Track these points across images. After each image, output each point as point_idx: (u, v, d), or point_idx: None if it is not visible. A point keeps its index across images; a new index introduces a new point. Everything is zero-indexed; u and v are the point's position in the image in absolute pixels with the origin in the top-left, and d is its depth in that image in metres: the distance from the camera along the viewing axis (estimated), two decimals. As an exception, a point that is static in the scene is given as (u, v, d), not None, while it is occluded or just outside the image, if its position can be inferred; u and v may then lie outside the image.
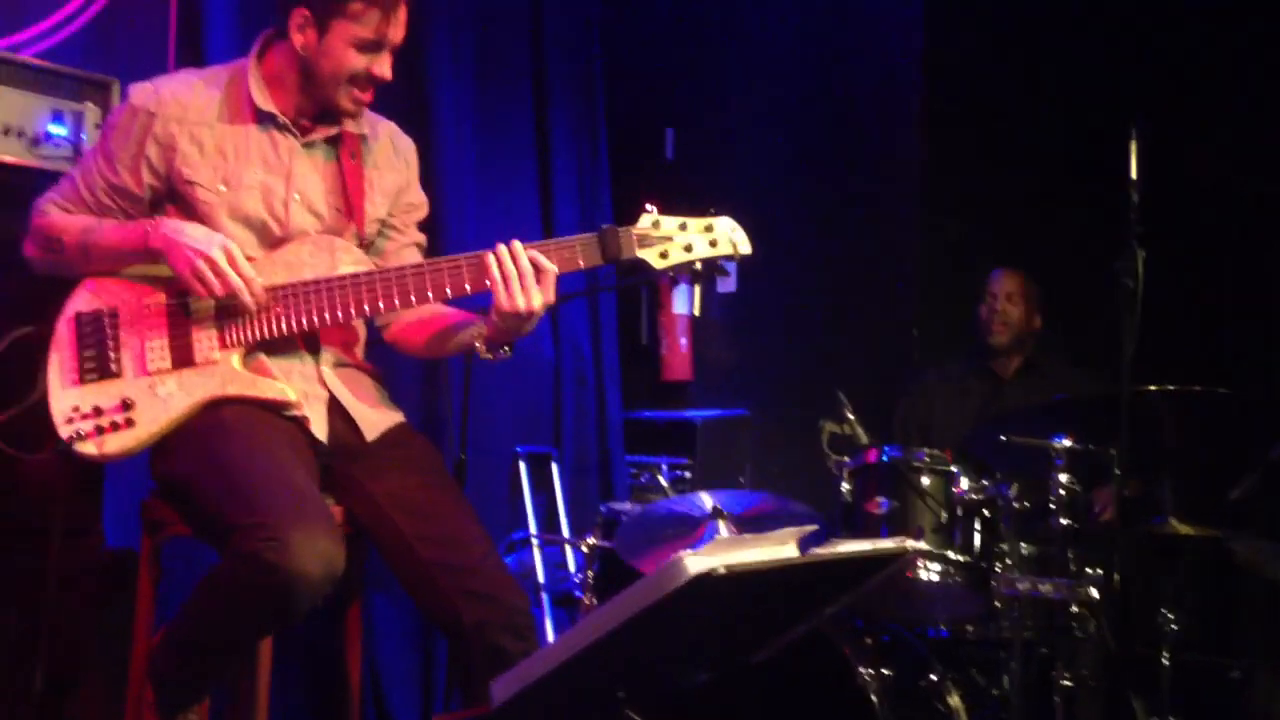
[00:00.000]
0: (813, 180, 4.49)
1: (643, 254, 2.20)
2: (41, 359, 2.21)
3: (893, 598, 3.08)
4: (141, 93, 2.26)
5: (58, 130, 2.69)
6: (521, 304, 2.15)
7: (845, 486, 3.12)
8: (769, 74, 4.64)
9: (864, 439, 3.21)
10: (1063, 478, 2.79)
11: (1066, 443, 2.79)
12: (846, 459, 3.17)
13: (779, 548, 1.64)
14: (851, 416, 3.24)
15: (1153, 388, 2.69)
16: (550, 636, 3.83)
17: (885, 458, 3.09)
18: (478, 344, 2.26)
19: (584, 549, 3.27)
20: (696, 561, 1.46)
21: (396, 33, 2.24)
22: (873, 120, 4.35)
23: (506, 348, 2.26)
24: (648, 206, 2.22)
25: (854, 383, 3.54)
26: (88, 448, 2.15)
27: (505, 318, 2.17)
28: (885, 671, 2.86)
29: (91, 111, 2.73)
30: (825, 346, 4.37)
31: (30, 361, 2.24)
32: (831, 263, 4.41)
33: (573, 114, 4.51)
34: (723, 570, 1.47)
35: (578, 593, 3.35)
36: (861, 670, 2.81)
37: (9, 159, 2.61)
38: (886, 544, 1.84)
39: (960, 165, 4.19)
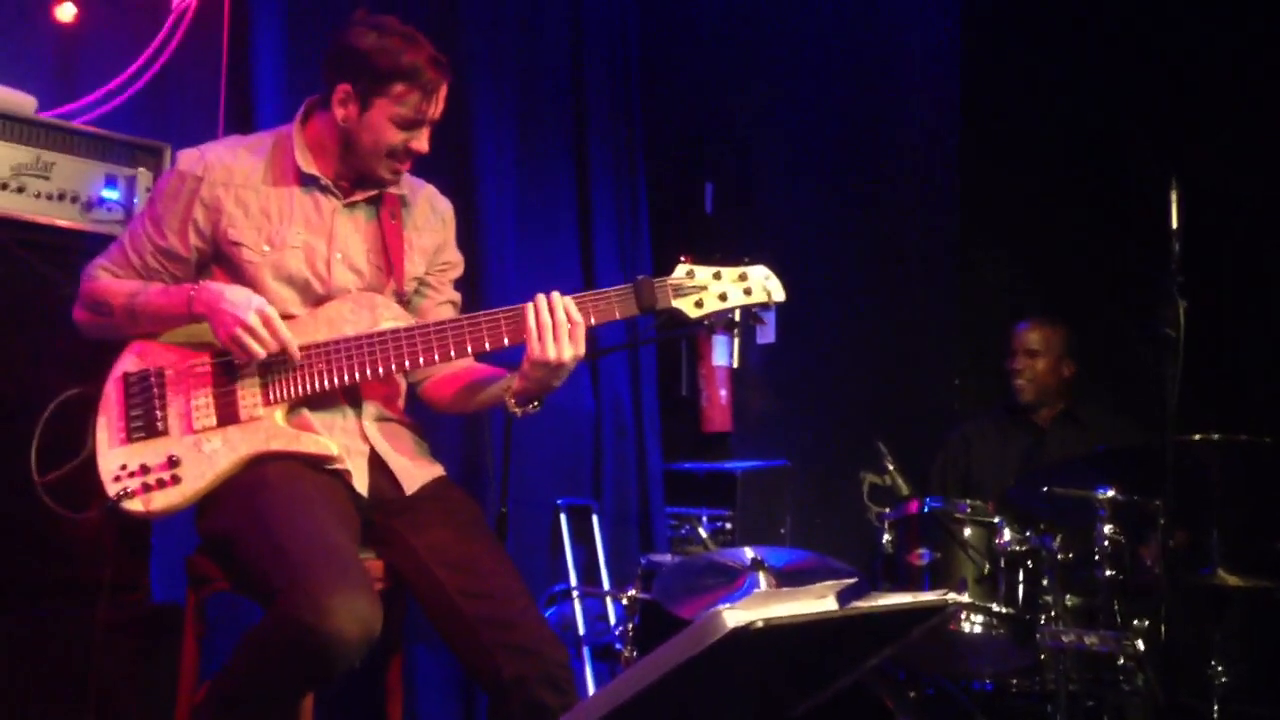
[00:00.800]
0: (851, 230, 4.51)
1: (678, 304, 2.24)
2: (90, 419, 2.26)
3: (936, 650, 3.05)
4: (188, 158, 2.33)
5: (110, 195, 2.77)
6: (552, 354, 2.18)
7: (886, 538, 3.11)
8: (806, 125, 4.68)
9: (905, 490, 3.20)
10: (1107, 529, 2.77)
11: (1110, 494, 2.77)
12: (887, 510, 3.16)
13: (818, 601, 1.64)
14: (892, 467, 3.24)
15: (1197, 437, 2.66)
16: (591, 689, 3.81)
17: (927, 509, 3.08)
18: (507, 398, 2.29)
19: (624, 601, 3.27)
20: (734, 615, 1.46)
21: (436, 110, 2.32)
22: (910, 169, 4.36)
23: (536, 403, 2.29)
24: (682, 258, 2.26)
25: (895, 433, 3.53)
26: (135, 505, 2.19)
27: (537, 368, 2.21)
28: (931, 726, 2.83)
29: (144, 176, 2.81)
30: (866, 397, 4.35)
31: (79, 422, 2.29)
32: (871, 312, 4.41)
33: (613, 169, 4.57)
34: (761, 624, 1.47)
35: (618, 645, 3.35)
36: (906, 724, 2.78)
37: (64, 223, 2.69)
38: (927, 596, 1.83)
39: (999, 211, 4.20)
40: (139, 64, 3.47)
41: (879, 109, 4.48)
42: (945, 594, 1.84)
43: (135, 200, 2.79)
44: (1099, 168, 4.09)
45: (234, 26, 3.55)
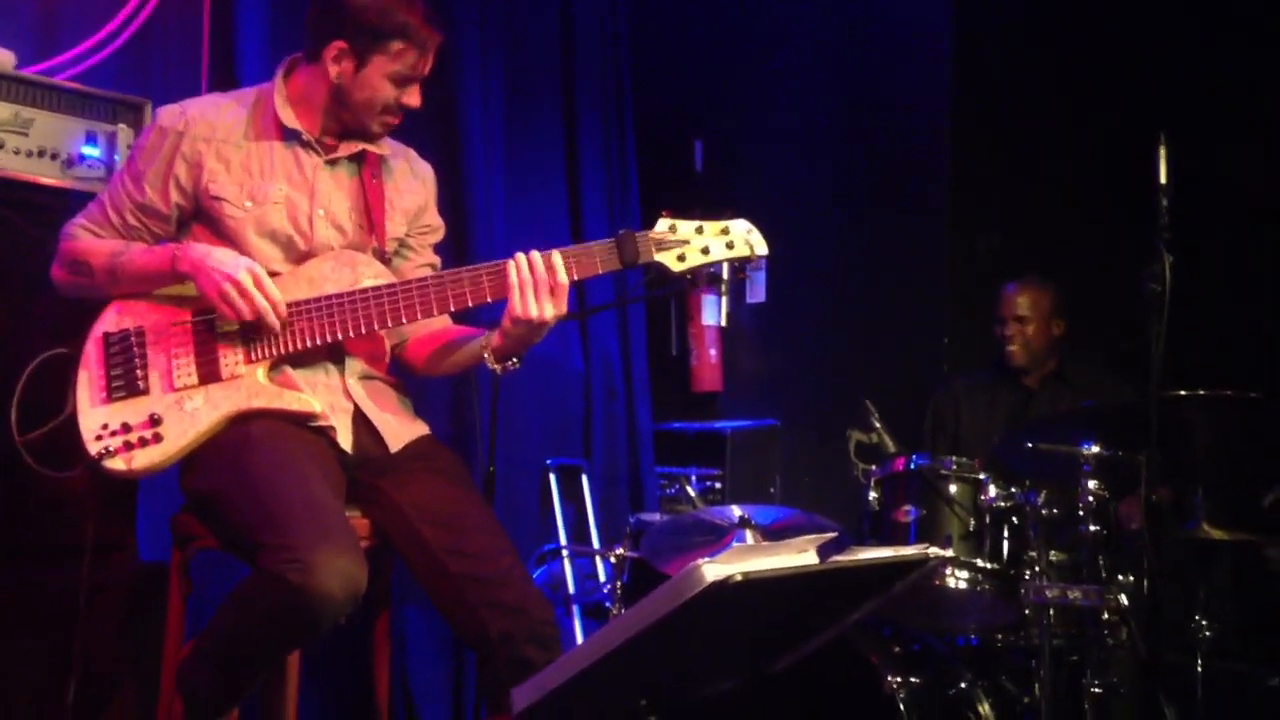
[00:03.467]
0: (842, 188, 4.49)
1: (660, 257, 2.25)
2: (71, 378, 2.25)
3: (921, 606, 3.07)
4: (169, 113, 2.31)
5: (91, 151, 2.74)
6: (535, 312, 2.18)
7: (872, 495, 3.12)
8: (797, 83, 4.65)
9: (891, 447, 3.20)
10: (1091, 484, 2.78)
11: (1094, 449, 2.77)
12: (874, 468, 3.16)
13: (798, 555, 1.64)
14: (879, 425, 3.24)
15: (1182, 393, 2.66)
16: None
17: (913, 466, 3.09)
18: (486, 354, 2.29)
19: (613, 559, 3.28)
20: (713, 569, 1.47)
21: (428, 66, 2.32)
22: (901, 128, 4.34)
23: (515, 360, 2.29)
24: (664, 212, 2.25)
25: (884, 392, 3.53)
26: (116, 464, 2.18)
27: (519, 325, 2.21)
28: (914, 680, 2.85)
29: (124, 133, 2.78)
30: (855, 356, 4.35)
31: (62, 381, 2.27)
32: (861, 272, 4.40)
33: (601, 126, 4.54)
34: (739, 578, 1.47)
35: (608, 603, 3.36)
36: (890, 678, 2.80)
37: (44, 180, 2.66)
38: (907, 551, 1.84)
39: (989, 171, 4.18)
40: (120, 19, 3.42)
41: (869, 65, 4.45)
42: (926, 548, 1.84)
43: (116, 157, 2.75)
44: (1088, 123, 4.07)
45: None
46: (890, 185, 4.35)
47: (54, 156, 2.70)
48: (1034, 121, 4.15)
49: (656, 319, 4.78)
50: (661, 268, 2.25)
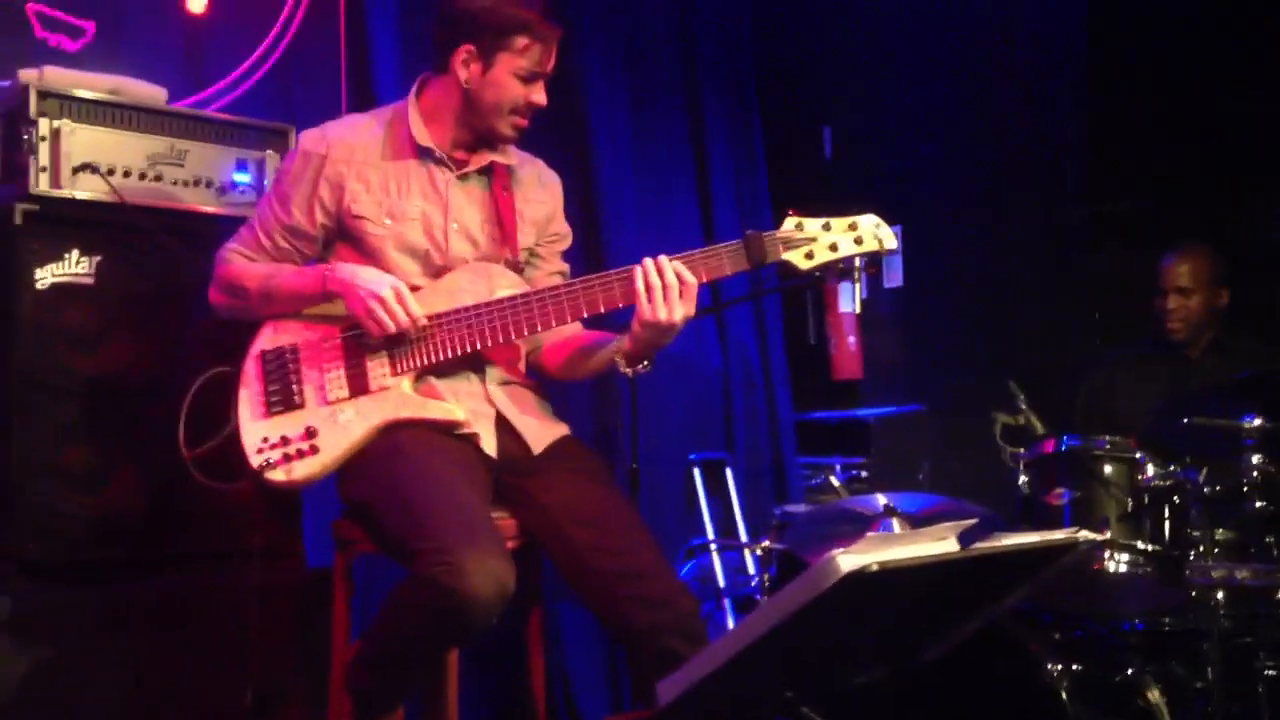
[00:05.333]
0: (976, 166, 4.38)
1: (788, 256, 2.25)
2: (232, 395, 2.37)
3: (1081, 591, 2.98)
4: (311, 138, 2.42)
5: (242, 178, 2.88)
6: (663, 316, 2.21)
7: (1023, 479, 3.04)
8: (925, 62, 4.56)
9: (1039, 429, 3.12)
10: (1255, 459, 2.65)
11: (1257, 422, 2.65)
12: (1022, 450, 3.08)
13: (938, 542, 1.62)
14: (1025, 406, 3.16)
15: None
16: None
17: (1064, 447, 3.00)
18: (618, 359, 2.32)
19: (759, 552, 3.28)
20: (849, 559, 1.46)
21: (551, 62, 2.37)
22: (1034, 100, 4.21)
23: (646, 362, 2.32)
24: (790, 211, 2.25)
25: (1031, 372, 3.44)
26: (277, 475, 2.29)
27: (648, 329, 2.23)
28: (1076, 667, 2.77)
29: (272, 158, 2.91)
30: (999, 337, 4.25)
31: (224, 398, 2.40)
32: (1000, 250, 4.29)
33: (727, 123, 4.54)
34: (875, 567, 1.46)
35: (758, 595, 3.37)
36: (1050, 666, 2.73)
37: (200, 208, 2.81)
38: (1055, 535, 1.79)
39: (1128, 138, 4.02)
40: (262, 49, 3.59)
41: (1001, 39, 4.33)
42: (1076, 532, 1.79)
43: (265, 182, 2.89)
44: (1232, 85, 3.87)
45: (350, 8, 3.64)
46: (1027, 159, 4.23)
47: (208, 185, 2.84)
48: (1174, 81, 3.96)
49: (793, 309, 4.75)
50: (790, 266, 2.25)
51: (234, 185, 2.88)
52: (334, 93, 3.69)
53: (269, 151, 2.93)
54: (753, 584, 3.72)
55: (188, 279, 2.68)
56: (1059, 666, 2.75)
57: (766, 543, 3.28)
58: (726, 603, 3.99)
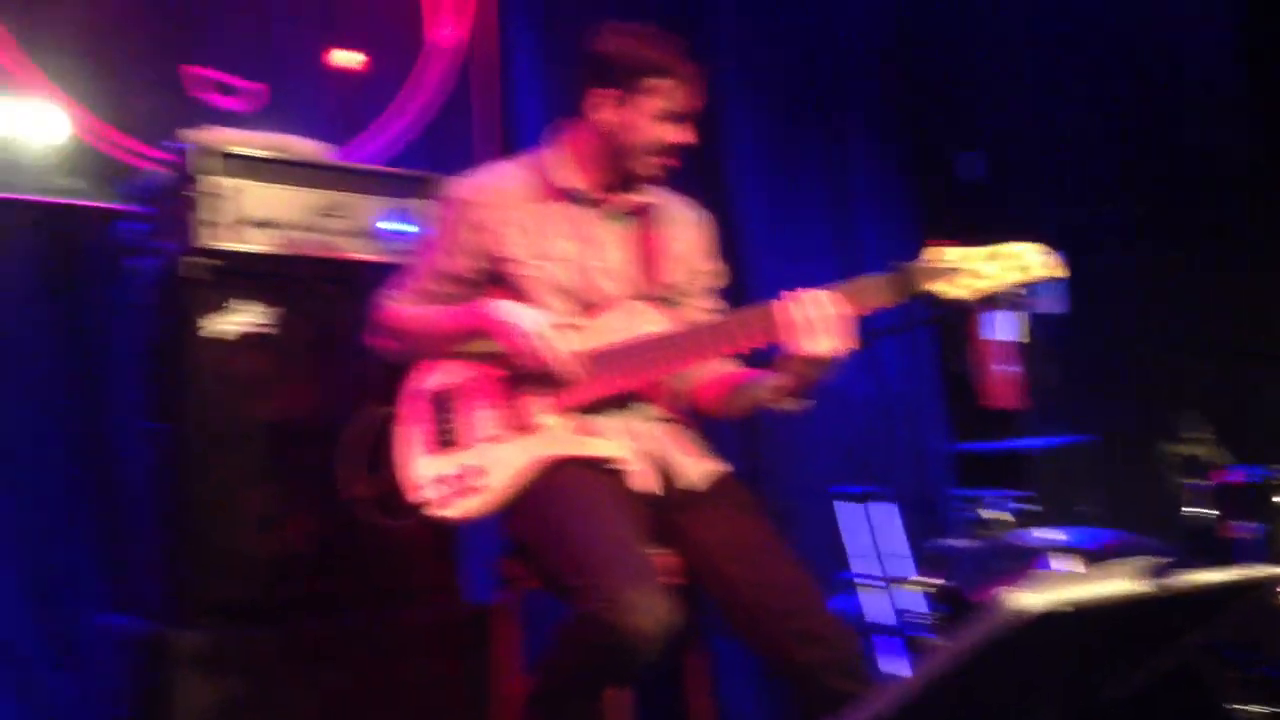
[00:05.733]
0: (1137, 181, 4.22)
1: (937, 287, 2.19)
2: (393, 434, 2.42)
3: (1269, 628, 2.80)
4: (460, 186, 2.48)
5: (395, 226, 2.97)
6: (819, 349, 2.17)
7: (1199, 511, 2.89)
8: (1081, 78, 4.41)
9: (1219, 459, 2.96)
10: None
11: None
12: (1201, 481, 2.93)
13: (1128, 581, 1.54)
14: (1203, 435, 3.00)
15: None
16: (884, 677, 3.74)
17: (1245, 478, 2.84)
18: (773, 395, 2.29)
19: (914, 588, 3.19)
20: (1028, 598, 1.40)
21: (693, 100, 2.37)
22: (1196, 113, 4.04)
23: (806, 397, 2.28)
24: (932, 242, 2.20)
25: (1210, 399, 3.28)
26: (439, 511, 2.33)
27: (807, 365, 2.20)
28: (1269, 710, 2.61)
29: (422, 206, 2.99)
30: (1172, 362, 4.06)
31: (385, 437, 2.45)
32: (1171, 270, 4.11)
33: (872, 146, 4.48)
34: (1069, 608, 1.40)
35: (913, 632, 3.27)
36: (1237, 707, 2.58)
37: (358, 256, 2.90)
38: (1254, 571, 1.70)
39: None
40: (410, 101, 3.71)
41: (1157, 52, 4.17)
42: (1274, 569, 1.69)
43: (414, 229, 2.97)
44: None
45: (497, 57, 3.74)
46: (1191, 170, 4.05)
47: (364, 234, 2.94)
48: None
49: (946, 338, 4.63)
50: (939, 296, 2.19)
51: (387, 233, 2.96)
52: (481, 142, 3.79)
53: (419, 200, 3.01)
54: (906, 619, 3.61)
55: (348, 324, 2.76)
56: (1247, 707, 2.59)
57: (921, 578, 3.19)
58: (874, 639, 3.88)
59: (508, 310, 2.34)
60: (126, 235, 3.01)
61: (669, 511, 2.36)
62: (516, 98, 3.66)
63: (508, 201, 2.44)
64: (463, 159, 3.39)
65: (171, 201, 2.81)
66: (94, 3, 3.22)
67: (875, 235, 4.41)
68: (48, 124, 3.16)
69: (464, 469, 2.34)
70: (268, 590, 2.67)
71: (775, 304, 2.21)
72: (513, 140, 3.63)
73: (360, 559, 2.75)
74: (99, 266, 3.22)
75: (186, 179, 2.74)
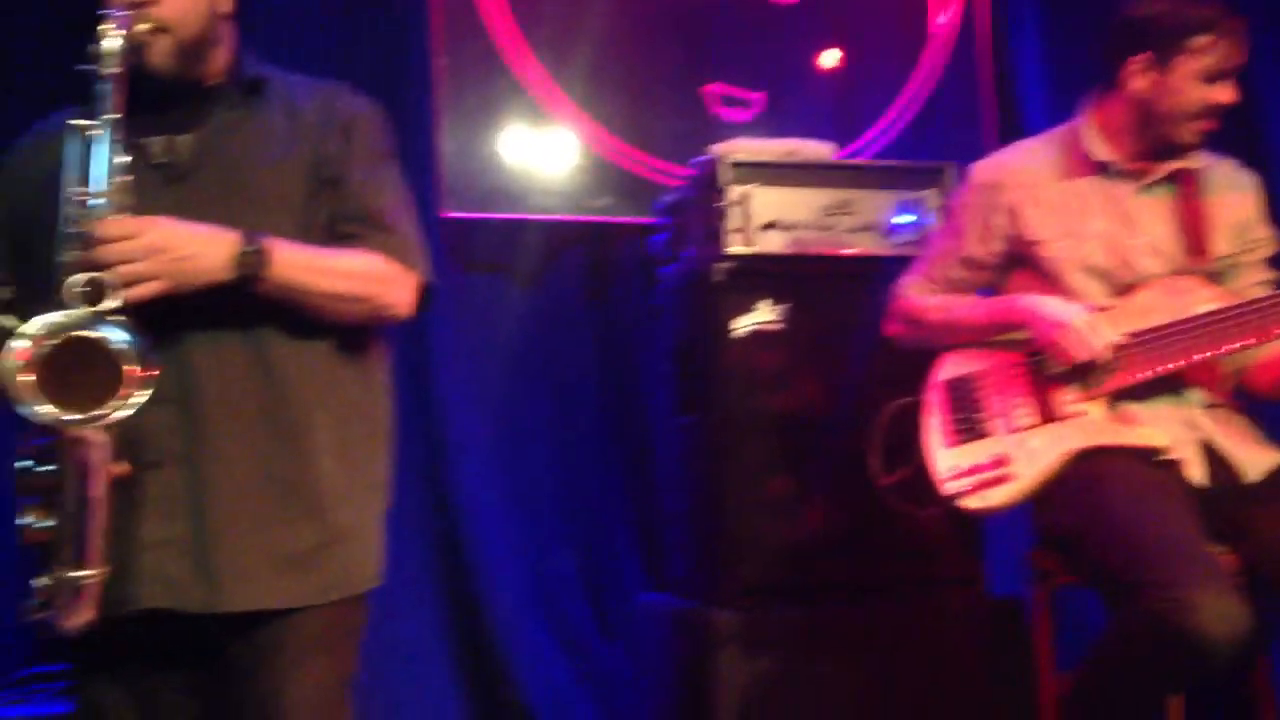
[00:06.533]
0: None
1: None
2: (918, 424, 2.45)
3: None
4: (983, 169, 2.45)
5: (904, 219, 2.99)
6: None
7: None
8: None
9: None
10: None
11: None
12: None
13: None
14: None
15: None
16: None
17: None
18: None
19: None
20: None
21: (1236, 56, 2.22)
22: None
23: None
24: None
25: None
26: (970, 502, 2.32)
27: None
28: None
29: (931, 197, 2.99)
30: None
31: (910, 428, 2.49)
32: None
33: None
34: None
35: None
36: None
37: (870, 251, 2.96)
38: None
39: None
40: (908, 92, 3.72)
41: None
42: None
43: (926, 220, 2.98)
44: None
45: (993, 40, 3.66)
46: None
47: (874, 229, 2.99)
48: None
49: None
50: None
51: (898, 227, 2.99)
52: (977, 129, 3.73)
53: (928, 190, 3.01)
54: None
55: (863, 318, 2.83)
56: None
57: None
58: None
59: (1038, 303, 2.28)
60: (655, 246, 3.29)
61: (1223, 505, 2.19)
62: (1018, 80, 3.56)
63: (1035, 180, 2.38)
64: (965, 144, 3.37)
65: (696, 212, 3.03)
66: (619, 37, 3.54)
67: None
68: (578, 149, 3.52)
69: (994, 458, 2.31)
70: (794, 573, 2.80)
71: None
72: (1014, 124, 3.54)
73: (884, 546, 2.81)
74: (631, 276, 3.54)
75: (709, 191, 2.94)
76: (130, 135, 1.59)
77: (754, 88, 3.62)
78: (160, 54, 1.66)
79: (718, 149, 2.98)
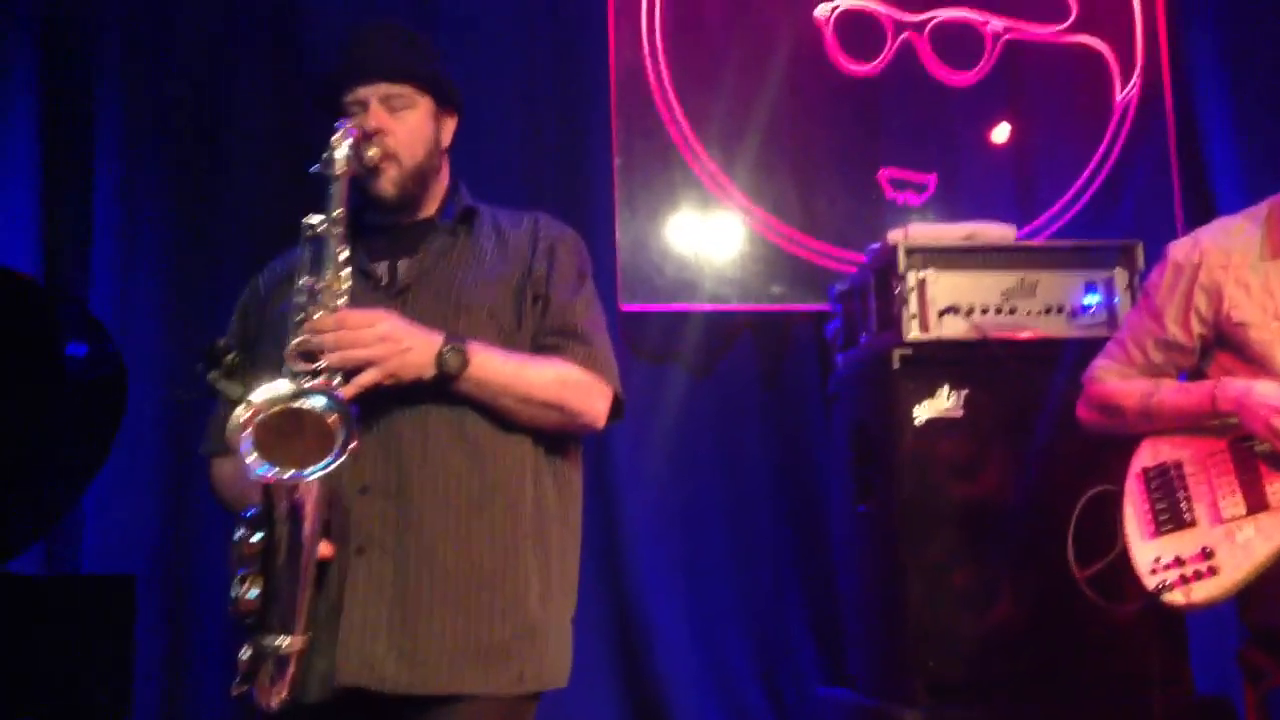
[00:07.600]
0: None
1: None
2: (1117, 514, 2.34)
3: None
4: (1181, 248, 2.36)
5: (1091, 299, 2.90)
6: None
7: None
8: None
9: None
10: None
11: None
12: None
13: None
14: None
15: None
16: None
17: None
18: None
19: None
20: None
21: None
22: None
23: None
24: None
25: None
26: (1175, 597, 2.19)
27: None
28: None
29: (1120, 276, 2.90)
30: None
31: (1106, 517, 2.38)
32: None
33: None
34: None
35: None
36: None
37: (1054, 334, 2.88)
38: None
39: None
40: (1090, 168, 3.64)
41: None
42: None
43: (1115, 300, 2.88)
44: None
45: (1178, 113, 3.56)
46: None
47: (1059, 310, 2.91)
48: None
49: None
50: None
51: (1084, 308, 2.91)
52: (1164, 205, 3.61)
53: (1116, 269, 2.92)
54: None
55: (1047, 403, 2.74)
56: None
57: None
58: None
59: (1248, 388, 2.18)
60: (830, 333, 3.27)
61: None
62: (1207, 153, 3.44)
63: (1239, 260, 2.28)
64: (1152, 221, 3.26)
65: (873, 298, 3.01)
66: (789, 126, 3.58)
67: None
68: (749, 237, 3.55)
69: (1199, 551, 2.19)
70: (983, 670, 2.69)
71: None
72: (1205, 198, 3.41)
73: (1079, 642, 2.68)
74: (805, 362, 3.53)
75: (886, 276, 2.92)
76: (357, 260, 1.70)
77: (926, 170, 3.61)
78: (388, 181, 1.79)
79: (894, 235, 2.96)
